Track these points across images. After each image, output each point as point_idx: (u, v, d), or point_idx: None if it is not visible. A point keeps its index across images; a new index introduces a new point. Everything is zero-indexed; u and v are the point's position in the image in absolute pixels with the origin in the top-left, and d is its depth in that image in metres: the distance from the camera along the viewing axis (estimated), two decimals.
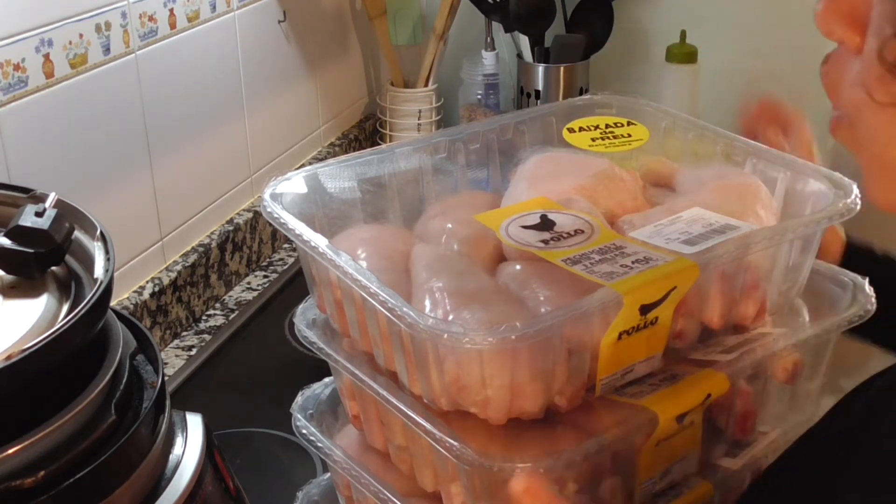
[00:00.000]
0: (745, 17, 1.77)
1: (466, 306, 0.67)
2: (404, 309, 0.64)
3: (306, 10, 1.65)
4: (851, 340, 0.85)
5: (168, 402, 0.65)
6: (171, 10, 1.28)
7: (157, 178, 1.30)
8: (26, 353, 0.54)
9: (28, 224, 0.63)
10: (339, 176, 0.82)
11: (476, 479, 0.67)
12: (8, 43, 1.03)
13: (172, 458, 0.63)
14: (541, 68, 1.74)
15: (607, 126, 0.88)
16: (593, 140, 0.86)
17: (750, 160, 0.84)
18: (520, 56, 1.77)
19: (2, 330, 0.59)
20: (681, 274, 0.67)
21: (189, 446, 0.65)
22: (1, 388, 0.53)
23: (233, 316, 1.40)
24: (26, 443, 0.54)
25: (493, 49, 1.80)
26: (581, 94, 1.75)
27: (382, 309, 0.66)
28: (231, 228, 1.46)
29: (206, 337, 1.35)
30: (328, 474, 0.87)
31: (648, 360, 0.70)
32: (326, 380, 0.86)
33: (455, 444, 0.65)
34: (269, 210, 0.76)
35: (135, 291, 1.27)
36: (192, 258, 1.37)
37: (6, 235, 0.64)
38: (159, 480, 0.61)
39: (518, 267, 0.73)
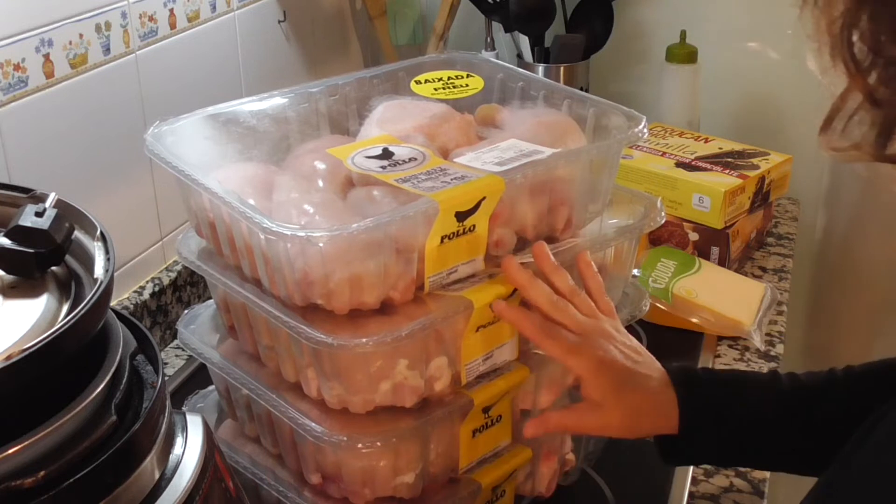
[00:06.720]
0: (745, 17, 1.77)
1: (313, 216, 0.80)
2: (257, 217, 0.76)
3: (306, 10, 1.65)
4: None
5: (168, 402, 0.65)
6: (171, 10, 1.28)
7: (157, 178, 1.30)
8: (26, 353, 0.54)
9: (28, 224, 0.63)
10: (215, 122, 0.92)
11: (325, 361, 0.80)
12: (8, 43, 1.03)
13: (172, 458, 0.63)
14: (541, 68, 1.74)
15: (449, 78, 1.03)
16: (436, 90, 1.01)
17: (566, 101, 1.00)
18: (520, 56, 1.77)
19: (2, 330, 0.59)
20: (489, 186, 0.82)
21: (189, 446, 0.65)
22: (1, 388, 0.53)
23: None
24: (26, 443, 0.54)
25: (493, 49, 1.80)
26: None
27: (242, 219, 0.78)
28: None
29: None
30: (211, 387, 1.00)
31: (471, 262, 0.86)
32: (208, 302, 1.00)
33: (306, 328, 0.78)
34: (150, 148, 0.87)
35: (135, 291, 1.27)
36: None
37: (6, 235, 0.63)
38: (159, 480, 0.61)
39: (363, 191, 0.85)
